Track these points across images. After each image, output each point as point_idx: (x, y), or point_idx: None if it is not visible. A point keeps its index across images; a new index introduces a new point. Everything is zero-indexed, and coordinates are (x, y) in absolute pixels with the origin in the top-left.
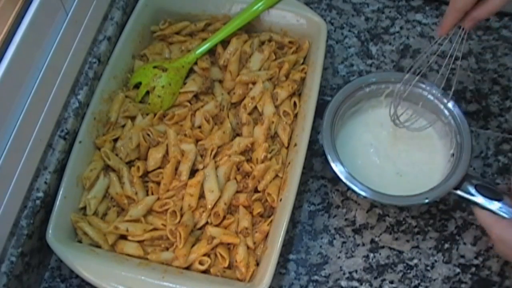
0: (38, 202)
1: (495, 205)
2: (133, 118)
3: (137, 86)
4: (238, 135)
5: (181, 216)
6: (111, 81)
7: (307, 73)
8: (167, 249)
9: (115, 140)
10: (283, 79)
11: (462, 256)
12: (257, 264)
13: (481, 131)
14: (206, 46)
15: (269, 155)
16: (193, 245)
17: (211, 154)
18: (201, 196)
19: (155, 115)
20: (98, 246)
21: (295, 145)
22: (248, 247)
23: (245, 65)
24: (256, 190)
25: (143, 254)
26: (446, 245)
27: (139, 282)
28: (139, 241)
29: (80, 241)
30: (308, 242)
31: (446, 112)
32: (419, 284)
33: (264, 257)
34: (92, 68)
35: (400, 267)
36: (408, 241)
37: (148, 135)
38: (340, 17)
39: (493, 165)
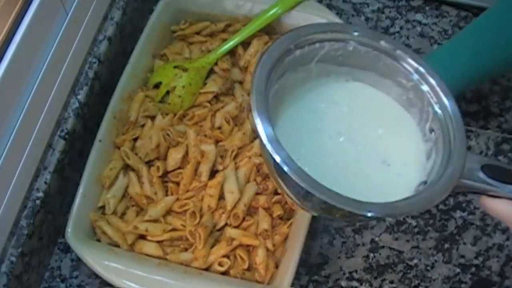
0: (38, 202)
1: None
2: (153, 118)
3: (157, 85)
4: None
5: (201, 217)
6: (131, 80)
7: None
8: (186, 250)
9: (135, 140)
10: None
11: (462, 256)
12: (276, 267)
13: (481, 131)
14: (226, 47)
15: None
16: (212, 246)
17: (231, 155)
18: (221, 197)
19: (175, 115)
20: (117, 246)
21: None
22: (267, 249)
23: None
24: (276, 192)
25: (163, 255)
26: (446, 245)
27: (160, 282)
28: (158, 241)
29: (98, 240)
30: (308, 242)
31: (411, 75)
32: (419, 284)
33: (283, 260)
34: (92, 68)
35: (400, 267)
36: (408, 241)
37: (168, 135)
38: (340, 17)
39: None
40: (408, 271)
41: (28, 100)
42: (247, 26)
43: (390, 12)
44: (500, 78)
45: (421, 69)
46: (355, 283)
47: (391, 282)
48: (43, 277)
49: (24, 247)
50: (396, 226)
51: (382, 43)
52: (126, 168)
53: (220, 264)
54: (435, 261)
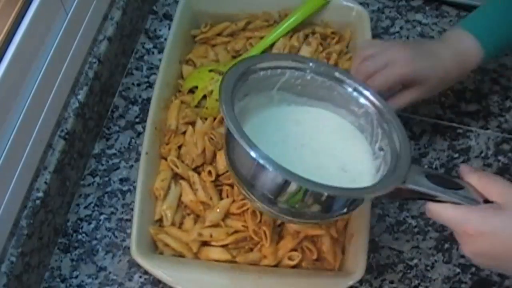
0: (38, 202)
1: (458, 195)
2: (192, 124)
3: (191, 90)
4: None
5: (261, 214)
6: (164, 89)
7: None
8: (251, 249)
9: (179, 147)
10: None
11: (462, 256)
12: (343, 252)
13: (481, 131)
14: (260, 45)
15: None
16: (277, 242)
17: None
18: None
19: (214, 118)
20: (181, 256)
21: None
22: (331, 237)
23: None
24: None
25: (231, 258)
26: (446, 245)
27: (238, 284)
28: (222, 246)
29: (161, 253)
30: None
31: (360, 101)
32: (419, 284)
33: (352, 244)
34: (92, 68)
35: (400, 267)
36: (408, 241)
37: (212, 138)
38: None
39: (493, 165)
40: (408, 271)
41: (28, 100)
42: (281, 24)
43: (390, 12)
44: (500, 78)
45: (369, 94)
46: (355, 283)
47: (391, 282)
48: (43, 277)
49: (24, 247)
50: (396, 226)
51: (336, 74)
52: (175, 177)
53: (291, 258)
54: (435, 261)
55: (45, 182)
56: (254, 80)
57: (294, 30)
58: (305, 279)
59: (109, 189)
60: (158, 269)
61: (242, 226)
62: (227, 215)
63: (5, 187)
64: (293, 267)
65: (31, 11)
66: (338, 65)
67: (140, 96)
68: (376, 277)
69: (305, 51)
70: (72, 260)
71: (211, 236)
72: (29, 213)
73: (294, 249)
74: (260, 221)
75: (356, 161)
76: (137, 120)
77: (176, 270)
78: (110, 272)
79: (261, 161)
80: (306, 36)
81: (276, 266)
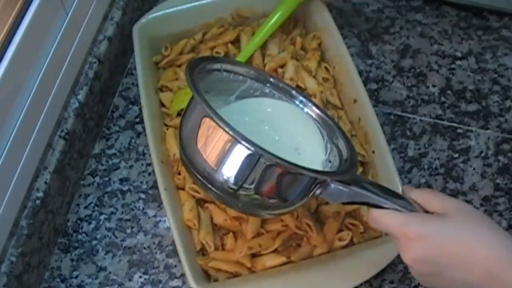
0: (38, 202)
1: (400, 203)
2: None
3: (180, 113)
4: None
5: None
6: (154, 122)
7: (322, 38)
8: (299, 245)
9: None
10: (302, 52)
11: None
12: None
13: (481, 131)
14: (242, 56)
15: (336, 120)
16: (321, 230)
17: None
18: None
19: None
20: (237, 276)
21: (355, 101)
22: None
23: (265, 53)
24: None
25: (286, 259)
26: None
27: (310, 282)
28: (272, 251)
29: (216, 280)
30: None
31: (312, 115)
32: (419, 284)
33: None
34: (92, 68)
35: (400, 267)
36: None
37: None
38: (340, 17)
39: (493, 165)
40: (408, 271)
41: (28, 100)
42: (257, 33)
43: (390, 12)
44: (500, 78)
45: (323, 115)
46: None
47: (391, 282)
48: (43, 277)
49: (24, 247)
50: None
51: (293, 92)
52: (200, 202)
53: (341, 239)
54: None
55: (45, 182)
56: (216, 78)
57: (250, 26)
58: (364, 252)
59: (109, 189)
60: None
61: (282, 226)
62: (263, 221)
63: (5, 187)
64: (345, 247)
65: (31, 11)
66: (305, 47)
67: (140, 96)
68: (376, 277)
69: (272, 43)
70: (72, 260)
71: (260, 246)
72: (29, 213)
73: (340, 230)
74: (297, 215)
75: (310, 149)
76: (137, 120)
77: None
78: (110, 272)
79: (232, 133)
80: None
81: (329, 252)
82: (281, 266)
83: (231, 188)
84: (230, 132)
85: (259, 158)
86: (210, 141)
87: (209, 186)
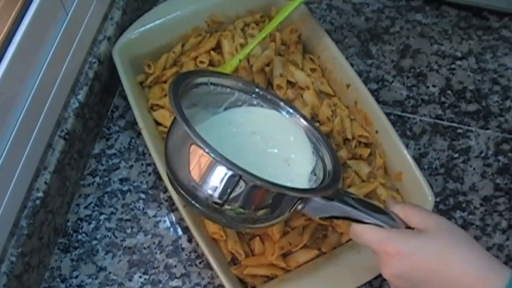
0: (38, 202)
1: (381, 219)
2: None
3: None
4: None
5: None
6: (155, 142)
7: (301, 29)
8: (325, 236)
9: None
10: (283, 48)
11: None
12: (398, 193)
13: (481, 131)
14: (227, 68)
15: (333, 107)
16: None
17: None
18: None
19: None
20: (274, 278)
21: (348, 85)
22: (382, 185)
23: (249, 55)
24: (344, 142)
25: (318, 252)
26: None
27: (349, 269)
28: (302, 247)
29: (254, 287)
30: None
31: (300, 126)
32: None
33: (404, 181)
34: (92, 68)
35: None
36: None
37: None
38: (340, 17)
39: (493, 165)
40: None
41: (28, 100)
42: (254, 40)
43: (390, 12)
44: (500, 78)
45: (310, 127)
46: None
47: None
48: (43, 277)
49: (24, 247)
50: None
51: (281, 104)
52: None
53: None
54: None
55: (45, 182)
56: (204, 92)
57: (226, 29)
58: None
59: (109, 189)
60: None
61: (305, 220)
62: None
63: (5, 187)
64: None
65: (31, 11)
66: (286, 42)
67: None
68: (376, 277)
69: (254, 43)
70: (72, 260)
71: (290, 244)
72: (29, 213)
73: None
74: None
75: (299, 160)
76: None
77: None
78: (110, 272)
79: (214, 155)
80: (242, 30)
81: None
82: (314, 259)
83: (216, 203)
84: (212, 155)
85: (240, 178)
86: (193, 159)
87: (193, 202)
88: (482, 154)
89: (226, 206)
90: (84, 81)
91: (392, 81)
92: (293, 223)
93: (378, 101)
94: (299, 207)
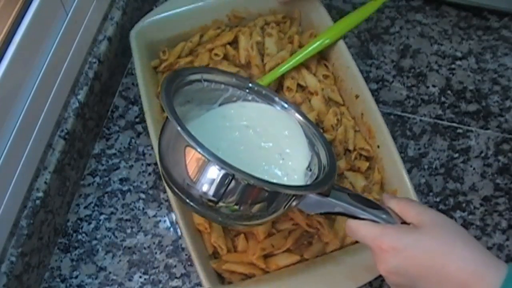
0: (38, 202)
1: (376, 215)
2: None
3: None
4: None
5: None
6: (158, 126)
7: (319, 34)
8: (310, 243)
9: None
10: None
11: None
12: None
13: (481, 131)
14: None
15: (339, 116)
16: (332, 227)
17: None
18: None
19: None
20: (251, 277)
21: (357, 96)
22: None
23: (264, 53)
24: (345, 153)
25: (299, 257)
26: None
27: (328, 278)
28: (284, 251)
29: (230, 283)
30: None
31: (295, 121)
32: None
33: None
34: (92, 68)
35: None
36: None
37: None
38: (340, 17)
39: (493, 165)
40: None
41: (28, 100)
42: (290, 60)
43: (390, 12)
44: (500, 78)
45: (305, 122)
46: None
47: None
48: (43, 277)
49: (24, 247)
50: None
51: (276, 98)
52: None
53: None
54: None
55: (45, 182)
56: (197, 88)
57: (247, 26)
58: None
59: (109, 189)
60: None
61: (293, 225)
62: (274, 221)
63: (5, 187)
64: (357, 242)
65: (31, 11)
66: (303, 45)
67: (140, 96)
68: (376, 277)
69: (270, 42)
70: (72, 260)
71: (272, 246)
72: (29, 213)
73: None
74: (308, 214)
75: (294, 155)
76: (137, 120)
77: None
78: (110, 272)
79: (205, 154)
80: (261, 29)
81: (341, 248)
82: (294, 265)
83: (211, 201)
84: (204, 154)
85: (233, 177)
86: (186, 158)
87: (188, 200)
88: (482, 154)
89: (220, 204)
90: (84, 81)
91: (392, 81)
92: (279, 226)
93: (378, 101)
94: (294, 203)
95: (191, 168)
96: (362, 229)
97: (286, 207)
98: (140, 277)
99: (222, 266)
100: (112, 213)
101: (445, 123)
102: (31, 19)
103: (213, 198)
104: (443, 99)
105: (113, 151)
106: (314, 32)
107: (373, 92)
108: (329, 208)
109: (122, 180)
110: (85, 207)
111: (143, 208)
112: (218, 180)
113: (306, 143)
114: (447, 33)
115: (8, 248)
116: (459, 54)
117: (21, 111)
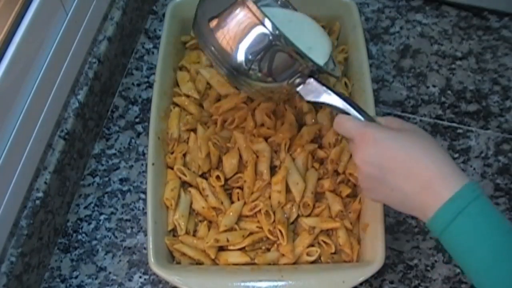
0: (38, 202)
1: (365, 115)
2: (194, 130)
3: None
4: (300, 125)
5: (274, 214)
6: (163, 98)
7: (349, 53)
8: (268, 250)
9: (184, 155)
10: None
11: None
12: (358, 243)
13: (481, 131)
14: None
15: (339, 137)
16: (293, 240)
17: (285, 148)
18: (286, 190)
19: (215, 123)
20: (199, 264)
21: None
22: (346, 229)
23: None
24: (338, 174)
25: (250, 260)
26: None
27: (264, 285)
28: (239, 249)
29: (178, 263)
30: None
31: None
32: (419, 284)
33: (367, 233)
34: (92, 68)
35: (400, 267)
36: (408, 241)
37: (216, 143)
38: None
39: (493, 165)
40: (408, 271)
41: (28, 100)
42: None
43: (390, 12)
44: (500, 78)
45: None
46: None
47: (391, 282)
48: (43, 277)
49: (24, 247)
50: (396, 226)
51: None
52: (184, 185)
53: (309, 254)
54: (435, 261)
55: (45, 182)
56: None
57: None
58: (326, 273)
59: (109, 189)
60: (182, 281)
61: (257, 227)
62: (240, 218)
63: (5, 187)
64: (312, 263)
65: (31, 11)
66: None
67: (140, 96)
68: (376, 277)
69: None
70: (72, 260)
71: (227, 240)
72: (29, 213)
73: (311, 245)
74: (274, 220)
75: (317, 52)
76: (137, 120)
77: (197, 278)
78: (110, 272)
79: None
80: None
81: (295, 263)
82: (245, 266)
83: (244, 66)
84: (258, 12)
85: (273, 41)
86: (232, 19)
87: (221, 62)
88: (482, 154)
89: (251, 70)
90: (84, 81)
91: (392, 81)
92: (243, 224)
93: (378, 101)
94: (297, 80)
95: (234, 30)
96: (349, 122)
97: (291, 81)
98: (140, 277)
99: (174, 245)
100: (112, 213)
101: (445, 123)
102: (31, 19)
103: (245, 67)
104: (443, 99)
105: (113, 151)
106: (346, 49)
107: (373, 92)
108: (325, 99)
109: (122, 180)
110: (85, 207)
111: (143, 208)
112: (256, 42)
113: (326, 43)
114: (447, 33)
115: (8, 248)
116: (459, 54)
117: (21, 111)
